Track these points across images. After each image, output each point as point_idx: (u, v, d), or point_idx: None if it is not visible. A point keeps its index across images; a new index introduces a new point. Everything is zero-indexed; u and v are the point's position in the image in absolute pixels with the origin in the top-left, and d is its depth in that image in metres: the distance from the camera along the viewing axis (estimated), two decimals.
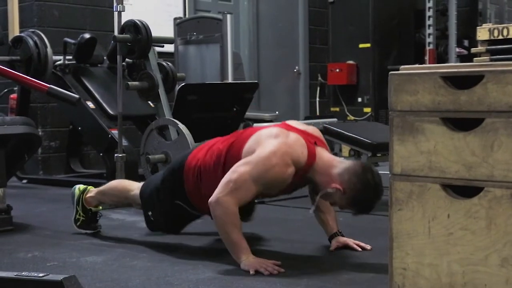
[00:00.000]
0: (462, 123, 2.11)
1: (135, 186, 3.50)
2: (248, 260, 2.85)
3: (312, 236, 3.50)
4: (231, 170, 2.91)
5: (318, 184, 2.95)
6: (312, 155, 2.93)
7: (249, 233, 3.13)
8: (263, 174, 2.85)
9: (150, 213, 3.35)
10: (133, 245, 3.37)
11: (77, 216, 3.65)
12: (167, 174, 3.30)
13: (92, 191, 3.66)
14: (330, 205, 3.20)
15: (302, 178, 2.96)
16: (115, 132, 5.14)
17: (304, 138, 2.96)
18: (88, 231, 3.64)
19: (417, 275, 2.18)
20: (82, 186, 3.70)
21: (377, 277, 2.75)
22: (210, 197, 2.95)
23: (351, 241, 3.21)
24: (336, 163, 2.94)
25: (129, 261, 3.07)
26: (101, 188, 3.65)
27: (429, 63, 7.79)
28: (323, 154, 2.98)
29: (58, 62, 5.77)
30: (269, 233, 3.63)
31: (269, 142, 2.91)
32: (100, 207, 3.68)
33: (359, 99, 8.60)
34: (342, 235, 3.24)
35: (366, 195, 2.87)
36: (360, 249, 3.18)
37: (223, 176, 2.97)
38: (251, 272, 2.79)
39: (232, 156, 3.03)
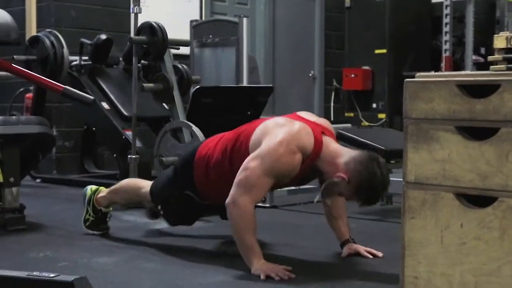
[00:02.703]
0: (477, 132, 2.10)
1: (146, 184, 3.53)
2: (259, 264, 2.84)
3: (324, 242, 3.49)
4: (242, 167, 2.90)
5: (324, 173, 2.94)
6: (318, 144, 2.92)
7: (261, 237, 3.12)
8: (272, 166, 2.85)
9: (159, 207, 3.39)
10: (145, 247, 3.38)
11: (87, 216, 3.67)
12: (179, 163, 3.36)
13: (104, 191, 3.68)
14: (340, 206, 3.21)
15: (309, 167, 2.94)
16: (129, 133, 5.15)
17: (311, 127, 2.95)
18: (96, 232, 3.65)
19: (429, 284, 2.17)
20: (94, 187, 3.72)
21: (388, 285, 2.73)
22: (217, 185, 3.05)
23: (362, 248, 3.19)
24: (343, 152, 2.92)
25: (141, 263, 3.08)
26: (113, 187, 3.68)
27: (445, 70, 7.76)
28: (330, 143, 2.96)
29: (74, 63, 5.79)
30: (281, 238, 3.63)
31: (275, 132, 2.91)
32: (111, 208, 3.69)
33: (374, 105, 8.57)
34: (354, 242, 3.23)
35: (371, 185, 2.83)
36: (371, 256, 3.17)
37: (229, 165, 3.04)
38: (262, 277, 2.78)
39: (239, 146, 3.05)
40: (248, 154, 2.96)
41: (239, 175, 2.90)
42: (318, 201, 3.20)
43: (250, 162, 2.89)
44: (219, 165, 3.11)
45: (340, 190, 2.90)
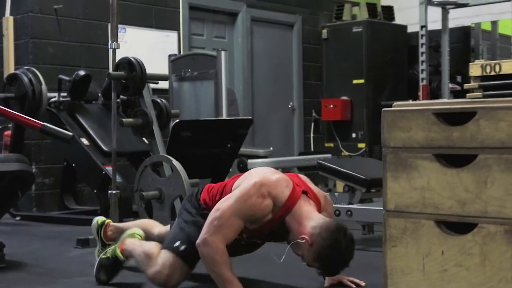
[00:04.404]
0: (455, 159, 2.11)
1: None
2: None
3: (306, 272, 3.48)
4: (215, 208, 2.92)
5: (291, 231, 2.91)
6: (293, 199, 2.91)
7: (241, 270, 3.10)
8: (241, 206, 2.85)
9: (178, 243, 3.08)
10: (127, 283, 3.34)
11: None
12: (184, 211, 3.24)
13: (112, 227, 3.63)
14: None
15: (278, 221, 2.92)
16: (109, 168, 5.13)
17: (295, 183, 2.97)
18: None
19: None
20: (100, 219, 3.67)
21: None
22: None
23: (345, 278, 3.19)
24: (314, 217, 2.90)
25: None
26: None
27: (422, 99, 7.83)
28: (306, 204, 2.94)
29: (53, 99, 5.78)
30: (261, 269, 3.61)
31: (253, 176, 2.94)
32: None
33: (353, 135, 8.62)
34: None
35: (331, 254, 2.80)
36: (354, 286, 3.16)
37: None
38: None
39: (225, 193, 3.06)
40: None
41: (211, 216, 2.90)
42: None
43: (222, 203, 2.91)
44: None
45: (302, 252, 2.88)
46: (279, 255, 2.90)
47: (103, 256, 3.28)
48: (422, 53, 7.99)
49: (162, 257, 3.01)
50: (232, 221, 2.86)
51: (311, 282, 3.27)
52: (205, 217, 3.05)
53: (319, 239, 2.80)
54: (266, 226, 2.95)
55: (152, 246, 3.13)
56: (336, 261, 2.84)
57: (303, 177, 3.13)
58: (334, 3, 9.09)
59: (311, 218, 2.88)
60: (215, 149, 4.99)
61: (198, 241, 2.87)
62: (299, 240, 2.84)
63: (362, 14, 8.91)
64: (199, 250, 2.88)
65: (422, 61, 8.00)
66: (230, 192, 3.02)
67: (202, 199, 3.15)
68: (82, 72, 5.76)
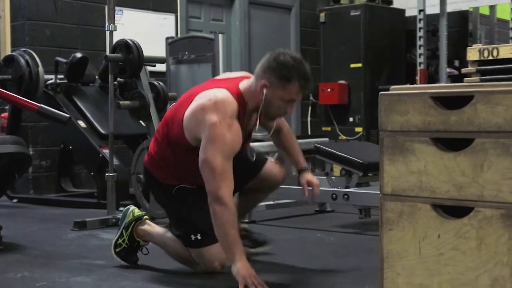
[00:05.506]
0: (452, 143, 2.12)
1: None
2: (241, 263, 2.80)
3: (302, 256, 3.49)
4: (200, 162, 2.89)
5: (255, 105, 3.01)
6: (238, 95, 2.99)
7: None
8: (225, 147, 2.88)
9: (192, 236, 3.14)
10: (123, 265, 3.35)
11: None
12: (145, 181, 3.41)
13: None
14: (290, 137, 3.36)
15: (245, 116, 3.01)
16: (106, 151, 5.13)
17: (226, 86, 3.01)
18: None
19: None
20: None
21: None
22: (177, 171, 3.12)
23: (315, 182, 3.30)
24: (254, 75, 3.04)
25: (119, 281, 3.06)
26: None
27: (420, 83, 7.82)
28: (246, 82, 3.06)
29: (50, 81, 5.77)
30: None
31: (206, 118, 2.91)
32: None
33: (351, 119, 8.61)
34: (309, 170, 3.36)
35: (284, 63, 2.92)
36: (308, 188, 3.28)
37: (173, 155, 3.10)
38: (240, 287, 2.76)
39: (175, 119, 3.10)
40: (184, 138, 3.02)
41: (204, 169, 2.89)
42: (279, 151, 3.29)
43: (205, 154, 2.88)
44: (164, 159, 3.16)
45: (277, 104, 2.97)
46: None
47: (118, 249, 3.33)
48: (420, 37, 7.97)
49: (196, 256, 3.12)
50: (226, 165, 2.88)
51: (306, 266, 3.28)
52: (165, 187, 3.17)
53: (267, 69, 2.96)
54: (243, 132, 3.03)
55: (173, 243, 3.22)
56: (293, 64, 2.93)
57: (222, 75, 3.27)
58: None
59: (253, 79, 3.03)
60: None
61: (209, 199, 2.88)
62: (261, 97, 2.95)
63: None
64: (211, 207, 2.87)
65: (420, 46, 7.99)
66: (182, 135, 3.03)
67: (154, 173, 3.20)
68: (79, 54, 5.75)
